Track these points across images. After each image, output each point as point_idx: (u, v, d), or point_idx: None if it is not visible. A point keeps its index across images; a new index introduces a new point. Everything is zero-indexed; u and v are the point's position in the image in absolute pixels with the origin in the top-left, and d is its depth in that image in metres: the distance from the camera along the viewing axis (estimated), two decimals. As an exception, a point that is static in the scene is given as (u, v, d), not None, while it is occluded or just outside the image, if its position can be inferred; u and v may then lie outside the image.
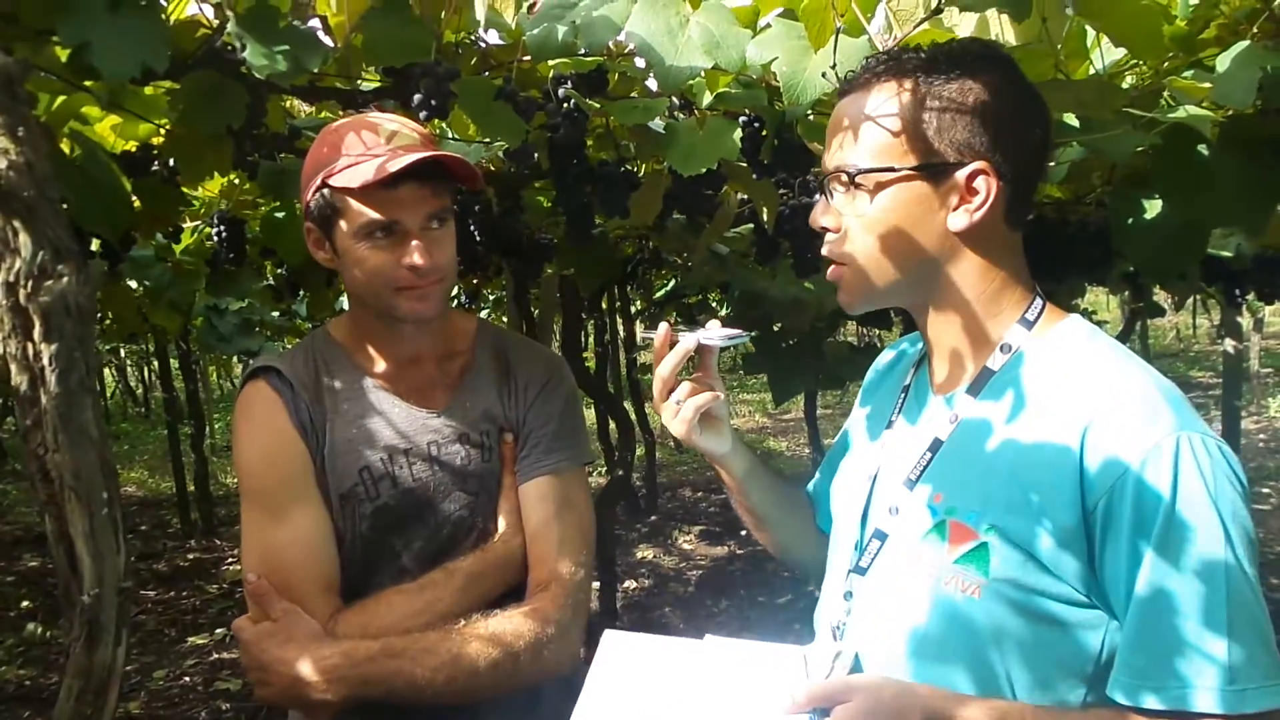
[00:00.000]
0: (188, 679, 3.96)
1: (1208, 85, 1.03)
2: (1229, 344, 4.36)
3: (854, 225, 0.95)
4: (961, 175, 0.89)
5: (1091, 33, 1.20)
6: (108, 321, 4.40)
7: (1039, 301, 0.96)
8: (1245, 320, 7.02)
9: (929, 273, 0.95)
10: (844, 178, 0.94)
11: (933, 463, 0.96)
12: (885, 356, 1.21)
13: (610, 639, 1.00)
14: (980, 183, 0.89)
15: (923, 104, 0.90)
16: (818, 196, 1.01)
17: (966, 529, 0.89)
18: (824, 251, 1.00)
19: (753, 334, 1.04)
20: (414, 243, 1.13)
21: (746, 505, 1.21)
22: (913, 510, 0.95)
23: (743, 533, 5.70)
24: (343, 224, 1.14)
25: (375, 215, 1.11)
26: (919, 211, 0.91)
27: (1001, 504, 0.88)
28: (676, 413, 1.06)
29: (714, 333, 1.04)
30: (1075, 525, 0.84)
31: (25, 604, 4.86)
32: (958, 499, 0.91)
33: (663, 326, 1.05)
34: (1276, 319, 15.05)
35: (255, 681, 1.12)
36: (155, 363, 8.81)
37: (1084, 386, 0.88)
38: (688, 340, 1.04)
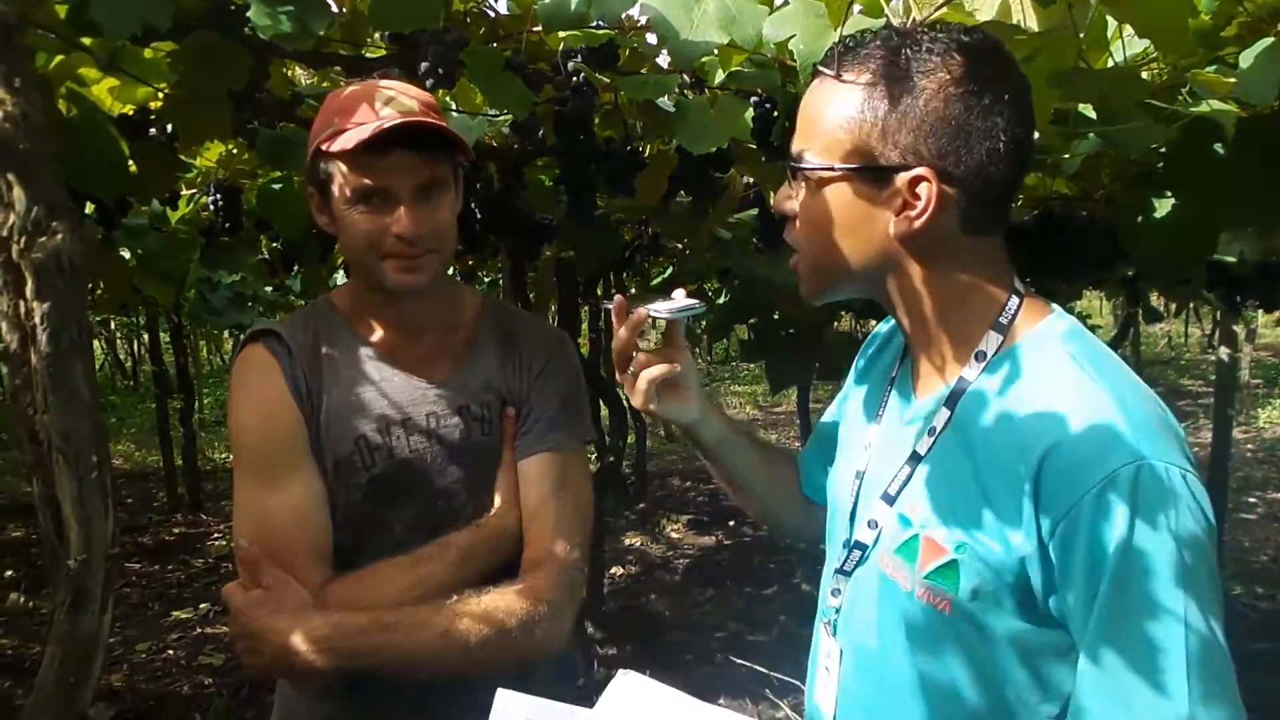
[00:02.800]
0: (171, 653, 3.95)
1: (1232, 80, 1.01)
2: (1223, 352, 4.35)
3: (802, 217, 0.94)
4: (903, 180, 0.85)
5: (1112, 24, 1.19)
6: (99, 292, 4.35)
7: (1014, 301, 0.91)
8: (1239, 330, 7.03)
9: (876, 277, 0.92)
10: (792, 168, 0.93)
11: (911, 478, 0.94)
12: (880, 334, 1.17)
13: (625, 679, 0.95)
14: (922, 190, 0.85)
15: (874, 102, 0.86)
16: None
17: (938, 545, 0.87)
18: (785, 237, 0.99)
19: (704, 308, 1.08)
20: (401, 210, 1.11)
21: (721, 472, 1.22)
22: (889, 524, 0.94)
23: (730, 523, 5.70)
24: (336, 189, 1.13)
25: (363, 181, 1.10)
26: (860, 213, 0.89)
27: (969, 523, 0.85)
28: (633, 384, 1.08)
29: (662, 305, 1.05)
30: (1032, 551, 0.81)
31: (9, 573, 4.83)
32: (931, 514, 0.89)
33: (617, 298, 1.06)
34: (1267, 330, 15.11)
35: (243, 650, 1.10)
36: (145, 336, 8.74)
37: (1046, 407, 0.83)
38: (637, 313, 1.05)
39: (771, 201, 1.73)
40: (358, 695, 1.17)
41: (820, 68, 0.92)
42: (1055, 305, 0.94)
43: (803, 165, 0.91)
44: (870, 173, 0.87)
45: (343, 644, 1.07)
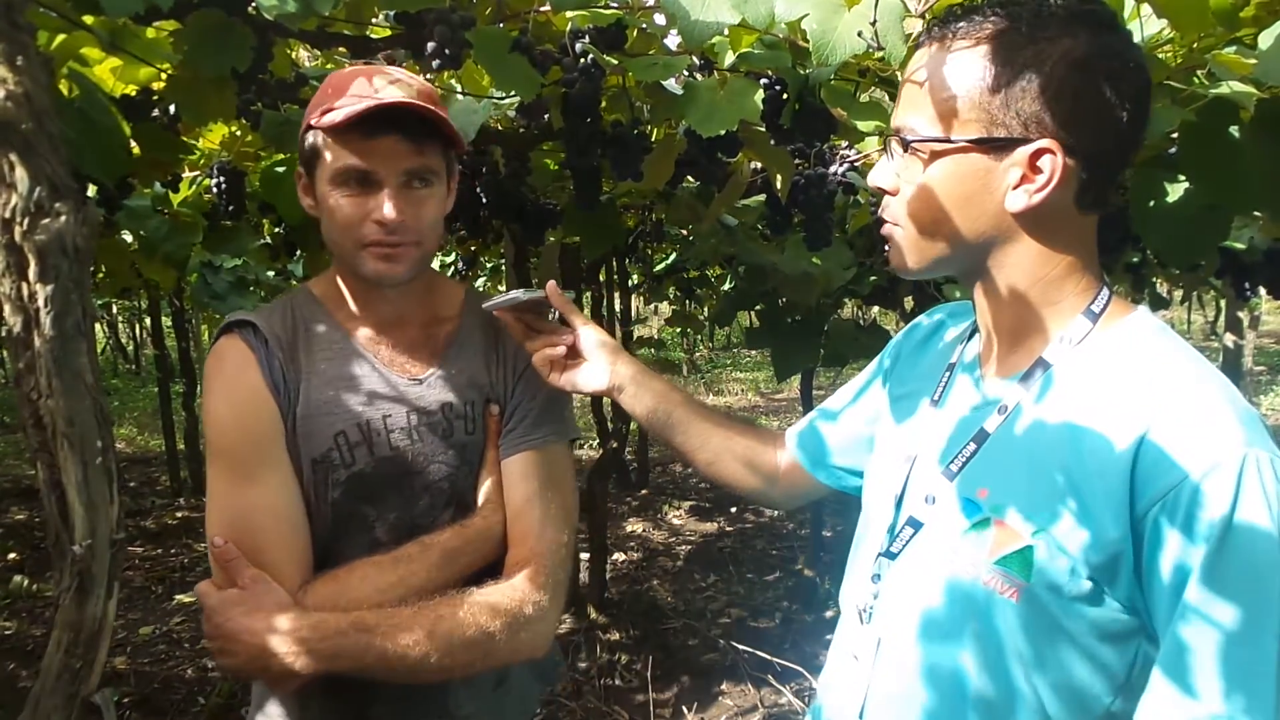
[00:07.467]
0: (174, 636, 3.95)
1: (1252, 61, 1.00)
2: (1229, 338, 4.34)
3: (907, 191, 0.90)
4: (1025, 153, 0.82)
5: (1129, 3, 1.17)
6: (100, 275, 4.33)
7: (1105, 292, 0.89)
8: (1243, 316, 7.01)
9: (982, 250, 0.89)
10: (901, 141, 0.89)
11: (977, 455, 0.90)
12: (922, 326, 1.15)
13: None
14: (1045, 162, 0.82)
15: (994, 69, 0.82)
16: (869, 156, 0.98)
17: (1012, 531, 0.84)
18: (879, 213, 0.95)
19: (526, 295, 1.20)
20: (384, 195, 1.07)
21: (672, 441, 1.26)
22: (953, 503, 0.90)
23: (732, 509, 5.70)
24: (321, 168, 1.10)
25: (350, 161, 1.06)
26: (974, 186, 0.85)
27: (1050, 508, 0.82)
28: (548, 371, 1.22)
29: (496, 300, 1.20)
30: (1122, 534, 0.78)
31: (11, 556, 4.84)
32: (1005, 497, 0.86)
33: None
34: (1271, 316, 15.09)
35: (216, 651, 1.06)
36: (147, 319, 8.74)
37: (1146, 389, 0.81)
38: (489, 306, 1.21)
39: (778, 186, 1.72)
40: (334, 696, 1.14)
41: (927, 35, 0.88)
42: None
43: (915, 138, 0.87)
44: (991, 144, 0.83)
45: (322, 645, 1.04)
